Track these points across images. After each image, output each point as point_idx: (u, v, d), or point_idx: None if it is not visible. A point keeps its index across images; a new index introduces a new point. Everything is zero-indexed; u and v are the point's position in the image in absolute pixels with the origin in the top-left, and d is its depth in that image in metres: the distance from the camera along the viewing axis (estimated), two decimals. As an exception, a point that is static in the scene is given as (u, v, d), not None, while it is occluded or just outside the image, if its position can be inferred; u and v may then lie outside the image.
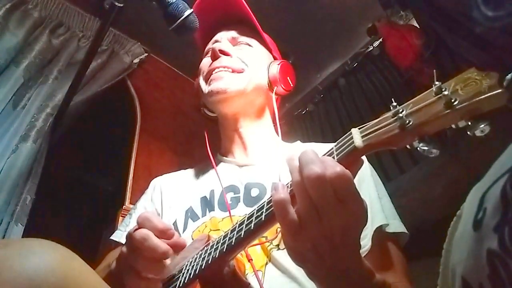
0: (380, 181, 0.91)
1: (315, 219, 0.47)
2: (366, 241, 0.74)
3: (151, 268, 0.63)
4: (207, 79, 1.00)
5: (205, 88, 0.99)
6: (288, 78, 1.04)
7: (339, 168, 0.46)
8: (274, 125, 1.07)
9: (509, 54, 0.99)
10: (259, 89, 1.01)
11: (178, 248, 0.65)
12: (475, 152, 1.18)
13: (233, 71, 0.98)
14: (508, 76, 0.37)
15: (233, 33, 1.07)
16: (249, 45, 1.06)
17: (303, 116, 2.27)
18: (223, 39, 1.06)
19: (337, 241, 0.48)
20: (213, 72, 0.98)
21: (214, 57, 1.00)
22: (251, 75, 0.99)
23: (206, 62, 1.04)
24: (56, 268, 0.46)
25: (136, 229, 0.64)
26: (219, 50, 1.00)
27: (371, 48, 1.96)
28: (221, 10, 1.07)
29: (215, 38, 1.08)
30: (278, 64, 1.02)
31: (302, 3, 1.78)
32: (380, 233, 0.76)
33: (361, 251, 0.54)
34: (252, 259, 0.73)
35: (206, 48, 1.08)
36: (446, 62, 1.39)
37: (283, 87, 1.02)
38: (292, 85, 1.05)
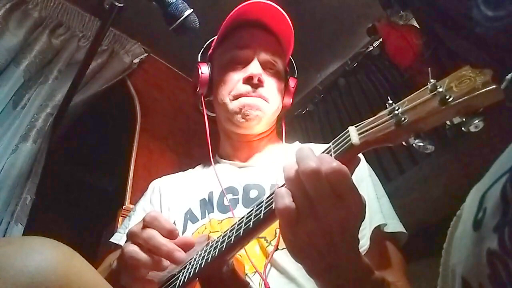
0: (379, 181, 0.91)
1: (312, 213, 0.47)
2: (364, 241, 0.74)
3: (154, 267, 0.63)
4: (235, 99, 0.98)
5: (235, 115, 0.98)
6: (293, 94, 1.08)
7: (335, 163, 0.47)
8: (277, 132, 1.11)
9: (509, 54, 0.99)
10: (277, 111, 1.05)
11: (187, 247, 0.65)
12: (475, 152, 1.18)
13: (266, 101, 0.99)
14: (508, 77, 0.37)
15: (269, 55, 1.03)
16: (278, 72, 1.05)
17: (303, 116, 2.27)
18: (255, 58, 1.01)
19: (336, 236, 0.48)
20: (250, 95, 0.97)
21: (250, 82, 0.98)
22: (276, 106, 1.03)
23: (234, 77, 1.00)
24: (57, 266, 0.46)
25: (142, 228, 0.64)
26: (258, 79, 0.97)
27: (371, 48, 1.96)
28: (266, 17, 1.03)
29: (247, 46, 1.02)
30: (294, 85, 1.08)
31: (302, 3, 1.78)
32: (378, 233, 0.77)
33: (360, 250, 0.54)
34: (252, 259, 0.73)
35: (234, 54, 1.03)
36: (446, 62, 1.39)
37: (290, 104, 1.09)
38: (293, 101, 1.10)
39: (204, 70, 1.04)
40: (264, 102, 0.98)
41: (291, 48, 1.07)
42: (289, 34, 1.04)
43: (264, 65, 1.02)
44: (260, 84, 0.98)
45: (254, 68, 0.99)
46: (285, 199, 0.48)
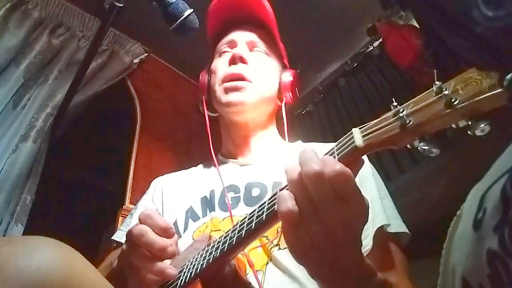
0: (382, 181, 0.91)
1: (315, 216, 0.47)
2: (367, 241, 0.74)
3: (148, 265, 0.63)
4: (221, 83, 0.98)
5: (222, 96, 0.97)
6: (296, 89, 1.04)
7: (338, 166, 0.46)
8: (278, 129, 1.09)
9: (509, 54, 0.99)
10: (271, 99, 1.02)
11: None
12: (475, 152, 1.18)
13: (249, 81, 0.97)
14: (508, 76, 0.37)
15: (252, 37, 1.04)
16: (265, 53, 1.04)
17: (303, 116, 2.27)
18: (241, 42, 1.03)
19: (338, 239, 0.48)
20: (232, 80, 0.97)
21: (233, 62, 0.98)
22: (264, 88, 0.99)
23: (221, 64, 1.01)
24: (59, 265, 0.46)
25: (136, 225, 0.64)
26: (239, 57, 0.98)
27: (371, 48, 1.96)
28: (242, 9, 1.04)
29: (232, 37, 1.05)
30: (290, 75, 1.03)
31: (302, 3, 1.78)
32: (381, 233, 0.76)
33: (362, 251, 0.54)
34: (253, 265, 0.73)
35: (221, 48, 1.06)
36: (446, 62, 1.39)
37: (291, 97, 1.03)
38: (298, 96, 1.06)
39: (204, 77, 1.06)
40: (247, 82, 0.96)
41: (277, 31, 1.05)
42: (267, 15, 1.03)
43: (251, 47, 1.03)
44: (243, 61, 0.98)
45: (237, 49, 1.01)
46: (288, 203, 0.48)
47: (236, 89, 0.95)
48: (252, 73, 0.98)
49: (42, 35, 1.57)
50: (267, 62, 1.04)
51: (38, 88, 1.49)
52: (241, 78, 0.96)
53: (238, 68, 0.97)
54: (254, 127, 1.02)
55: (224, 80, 0.98)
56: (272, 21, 1.04)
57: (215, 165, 0.99)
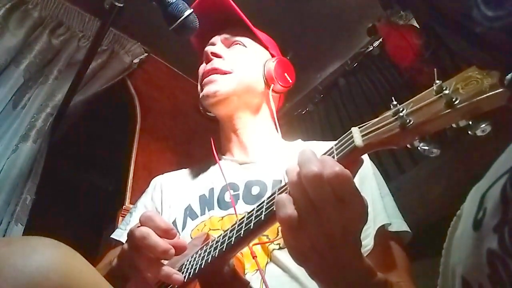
0: (383, 180, 0.90)
1: (314, 218, 0.47)
2: (368, 241, 0.74)
3: (150, 267, 0.63)
4: (201, 83, 1.01)
5: (200, 94, 1.01)
6: (286, 74, 1.03)
7: (337, 167, 0.46)
8: (273, 123, 1.08)
9: (509, 54, 0.99)
10: (252, 88, 1.01)
11: (178, 249, 0.65)
12: (475, 152, 1.18)
13: (223, 73, 0.98)
14: (508, 76, 0.37)
15: (227, 34, 1.08)
16: (243, 45, 1.06)
17: (303, 116, 2.27)
18: (218, 41, 1.07)
19: (337, 240, 0.48)
20: (207, 76, 0.99)
21: (207, 60, 1.01)
22: (242, 75, 1.00)
23: (201, 66, 1.05)
24: (58, 266, 0.46)
25: (138, 227, 0.64)
26: (211, 52, 1.01)
27: (371, 48, 1.96)
28: (214, 14, 1.07)
29: (211, 41, 1.08)
30: (273, 61, 1.02)
31: (302, 3, 1.78)
32: (382, 232, 0.76)
33: (363, 250, 0.54)
34: (256, 256, 0.73)
35: (201, 53, 1.09)
36: (446, 62, 1.39)
37: (281, 84, 1.02)
38: (291, 81, 1.05)
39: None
40: (219, 75, 0.98)
41: (249, 23, 1.06)
42: (234, 11, 1.05)
43: (228, 43, 1.06)
44: (216, 56, 1.00)
45: (210, 47, 1.03)
46: (287, 209, 0.48)
47: (209, 82, 0.98)
48: (229, 64, 0.99)
49: (42, 35, 1.57)
50: (246, 53, 1.05)
51: (38, 88, 1.49)
52: (214, 71, 0.98)
53: (212, 63, 0.99)
54: (241, 119, 1.02)
55: (202, 79, 1.01)
56: (238, 13, 1.05)
57: (216, 162, 0.99)
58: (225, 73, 0.98)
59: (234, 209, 0.83)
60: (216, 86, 0.97)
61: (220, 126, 1.08)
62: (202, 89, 1.00)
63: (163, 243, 0.62)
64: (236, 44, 1.06)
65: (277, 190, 0.56)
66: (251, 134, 1.02)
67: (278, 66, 1.02)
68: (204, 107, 1.03)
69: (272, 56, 1.08)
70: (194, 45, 1.16)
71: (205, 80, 0.99)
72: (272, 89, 1.02)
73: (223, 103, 0.98)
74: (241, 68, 1.00)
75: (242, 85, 0.99)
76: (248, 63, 1.03)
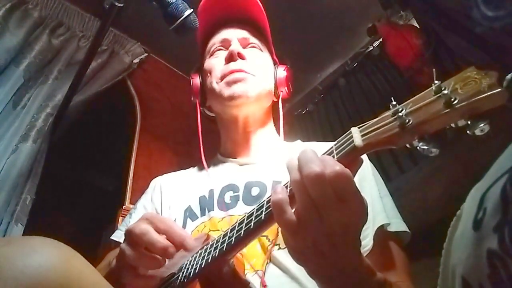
0: (382, 180, 0.91)
1: (315, 218, 0.47)
2: (367, 241, 0.74)
3: (149, 264, 0.63)
4: (222, 80, 0.97)
5: (224, 90, 0.96)
6: (290, 84, 1.05)
7: (338, 167, 0.46)
8: (275, 127, 1.08)
9: (509, 54, 0.99)
10: (268, 93, 1.02)
11: (178, 247, 0.65)
12: (475, 152, 1.18)
13: (250, 74, 0.97)
14: (508, 76, 0.37)
15: (244, 34, 1.05)
16: (260, 49, 1.05)
17: (303, 116, 2.27)
18: (234, 39, 1.03)
19: (337, 239, 0.48)
20: (231, 74, 0.96)
21: (232, 59, 0.98)
22: (262, 79, 1.00)
23: (217, 62, 1.01)
24: (58, 266, 0.46)
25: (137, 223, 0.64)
26: (238, 53, 0.98)
27: (371, 48, 1.96)
28: (231, 7, 1.05)
29: (224, 36, 1.05)
30: (284, 70, 1.04)
31: (302, 3, 1.78)
32: (381, 233, 0.76)
33: (362, 250, 0.55)
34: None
35: (213, 47, 1.05)
36: (446, 62, 1.39)
37: (286, 91, 1.04)
38: (291, 90, 1.06)
39: (195, 79, 1.06)
40: (248, 75, 0.96)
41: (268, 26, 1.06)
42: (258, 11, 1.04)
43: (244, 44, 1.04)
44: (241, 57, 0.98)
45: (233, 46, 1.00)
46: (286, 213, 0.49)
47: (238, 80, 0.95)
48: (251, 67, 0.98)
49: (42, 35, 1.57)
50: (262, 57, 1.04)
51: (38, 88, 1.49)
52: (242, 71, 0.96)
53: (237, 64, 0.97)
54: (254, 122, 1.02)
55: (224, 77, 0.97)
56: (263, 16, 1.04)
57: (204, 167, 0.99)
58: (251, 74, 0.97)
59: (227, 212, 0.84)
60: (246, 87, 0.95)
61: (224, 127, 1.06)
62: (228, 86, 0.96)
63: (162, 240, 0.62)
64: (253, 46, 1.04)
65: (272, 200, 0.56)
66: (258, 138, 1.03)
67: (288, 75, 1.04)
68: (228, 106, 0.98)
69: (275, 62, 1.09)
70: (198, 33, 1.08)
71: (233, 77, 0.95)
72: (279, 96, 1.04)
73: (248, 104, 0.97)
74: (261, 73, 1.00)
75: (263, 89, 1.00)
76: (265, 69, 1.03)
